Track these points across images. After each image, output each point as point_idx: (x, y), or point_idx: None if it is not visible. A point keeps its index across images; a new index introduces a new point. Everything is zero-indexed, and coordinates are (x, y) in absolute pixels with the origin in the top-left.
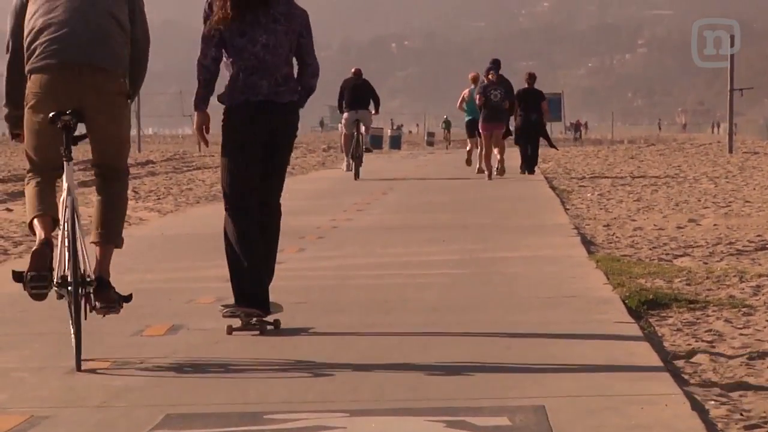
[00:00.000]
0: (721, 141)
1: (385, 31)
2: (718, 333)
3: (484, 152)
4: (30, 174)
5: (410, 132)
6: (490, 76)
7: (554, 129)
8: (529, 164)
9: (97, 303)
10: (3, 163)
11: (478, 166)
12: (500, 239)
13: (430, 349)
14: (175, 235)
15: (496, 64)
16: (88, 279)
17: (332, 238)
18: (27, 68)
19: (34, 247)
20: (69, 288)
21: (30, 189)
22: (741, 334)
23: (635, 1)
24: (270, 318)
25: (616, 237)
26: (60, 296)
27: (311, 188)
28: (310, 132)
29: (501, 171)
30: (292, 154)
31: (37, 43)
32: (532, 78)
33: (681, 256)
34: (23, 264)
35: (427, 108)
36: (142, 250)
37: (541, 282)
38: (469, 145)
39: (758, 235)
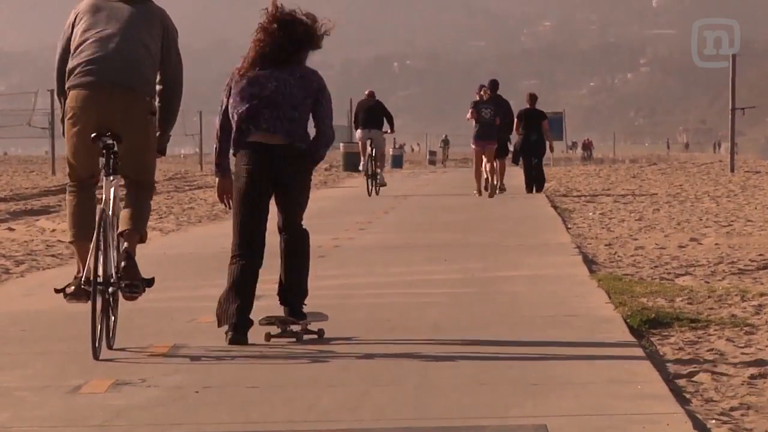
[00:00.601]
0: (723, 160)
1: (387, 50)
2: (720, 352)
3: (474, 168)
4: (71, 184)
5: (412, 150)
6: (482, 93)
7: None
8: (536, 183)
9: (123, 283)
10: (5, 182)
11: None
12: (502, 258)
13: (432, 368)
14: (177, 255)
15: (493, 84)
16: (115, 279)
17: (334, 257)
18: (67, 85)
19: (77, 275)
20: (99, 287)
21: (70, 204)
22: (743, 353)
23: (637, 21)
24: (314, 327)
25: (618, 256)
26: (87, 294)
27: (313, 207)
28: None
29: (494, 189)
30: None
31: (76, 63)
32: (533, 98)
33: (683, 275)
34: (25, 283)
35: (429, 127)
36: (144, 269)
37: (543, 301)
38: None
39: (760, 255)
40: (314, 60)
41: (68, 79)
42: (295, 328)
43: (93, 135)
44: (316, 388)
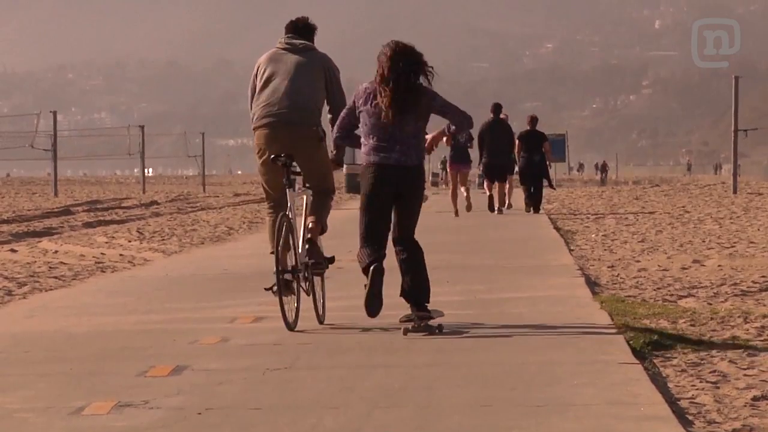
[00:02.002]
0: (725, 182)
1: None
2: (723, 374)
3: (451, 191)
4: (268, 206)
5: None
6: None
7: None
8: (534, 203)
9: (310, 261)
10: (7, 204)
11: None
12: (505, 280)
13: (435, 390)
14: (180, 276)
15: (496, 108)
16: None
17: (337, 278)
18: (252, 125)
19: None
20: (296, 273)
21: (269, 223)
22: (745, 375)
23: (639, 42)
24: (434, 323)
25: (621, 278)
26: (287, 281)
27: None
28: None
29: (468, 207)
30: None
31: (258, 108)
32: (534, 121)
33: (685, 296)
34: (27, 304)
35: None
36: (147, 291)
37: (546, 323)
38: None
39: (763, 276)
40: None
41: (253, 121)
42: (431, 322)
43: (272, 156)
44: (319, 410)
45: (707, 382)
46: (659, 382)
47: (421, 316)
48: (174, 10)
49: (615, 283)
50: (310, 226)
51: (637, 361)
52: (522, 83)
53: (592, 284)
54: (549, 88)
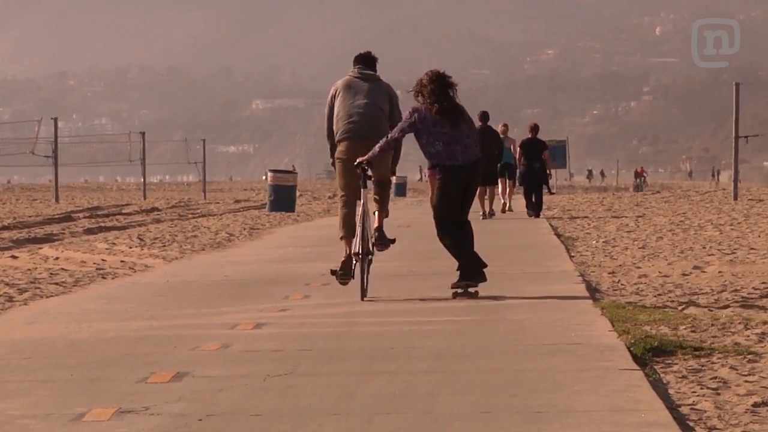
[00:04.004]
0: (726, 188)
1: (390, 78)
2: (724, 380)
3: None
4: (342, 200)
5: (418, 180)
6: None
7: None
8: (535, 208)
9: (376, 241)
10: (8, 210)
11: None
12: (505, 286)
13: (436, 397)
14: (181, 282)
15: (483, 116)
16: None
17: (337, 285)
18: (336, 138)
19: (344, 258)
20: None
21: (341, 213)
22: (746, 381)
23: (640, 49)
24: (473, 290)
25: (621, 284)
26: (350, 271)
27: (316, 235)
28: (316, 179)
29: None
30: (298, 202)
31: (340, 124)
32: (535, 129)
33: (686, 303)
34: (28, 311)
35: None
36: (147, 297)
37: (547, 329)
38: (500, 188)
39: (763, 282)
40: (318, 87)
41: (336, 134)
42: (472, 289)
43: (357, 162)
44: (320, 417)
45: (708, 388)
46: (660, 389)
47: (468, 285)
48: (175, 17)
49: (616, 290)
50: (377, 213)
51: (638, 368)
52: (523, 90)
53: (593, 290)
54: (550, 95)
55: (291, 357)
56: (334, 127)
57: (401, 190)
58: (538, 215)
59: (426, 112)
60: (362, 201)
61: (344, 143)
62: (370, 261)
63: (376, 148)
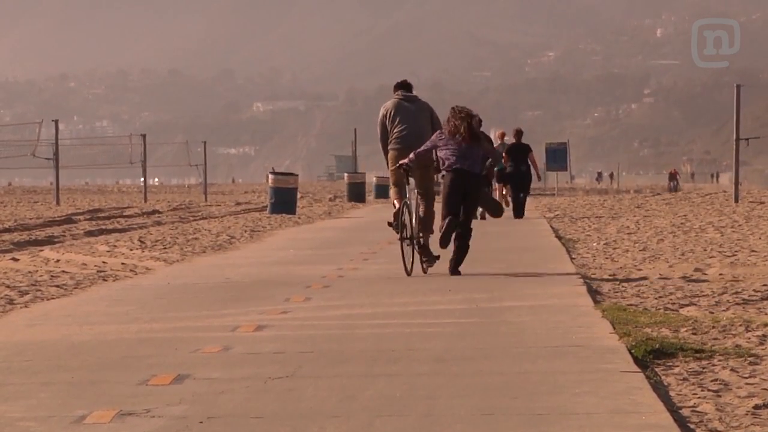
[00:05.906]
0: (727, 190)
1: (391, 80)
2: (725, 382)
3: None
4: (395, 193)
5: None
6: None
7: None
8: (518, 210)
9: (423, 257)
10: (9, 212)
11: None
12: (506, 288)
13: (437, 399)
14: (182, 285)
15: (518, 133)
16: (415, 234)
17: (338, 287)
18: (388, 147)
19: (395, 211)
20: (412, 239)
21: (393, 191)
22: (747, 384)
23: (641, 51)
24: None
25: (622, 286)
26: (407, 243)
27: (317, 237)
28: (317, 181)
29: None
30: (299, 204)
31: (391, 137)
32: (519, 134)
33: (687, 305)
34: (29, 313)
35: None
36: (148, 299)
37: (548, 331)
38: (503, 190)
39: (764, 285)
40: (319, 90)
41: (389, 145)
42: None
43: (398, 165)
44: (320, 419)
45: (709, 390)
46: (661, 391)
47: (456, 267)
48: (176, 19)
49: (617, 292)
50: (420, 230)
51: (639, 370)
52: (524, 92)
53: (594, 293)
54: (551, 97)
55: (292, 359)
56: (387, 138)
57: None
58: (521, 215)
59: (449, 136)
60: (407, 196)
61: (394, 152)
62: (416, 244)
63: (412, 155)
